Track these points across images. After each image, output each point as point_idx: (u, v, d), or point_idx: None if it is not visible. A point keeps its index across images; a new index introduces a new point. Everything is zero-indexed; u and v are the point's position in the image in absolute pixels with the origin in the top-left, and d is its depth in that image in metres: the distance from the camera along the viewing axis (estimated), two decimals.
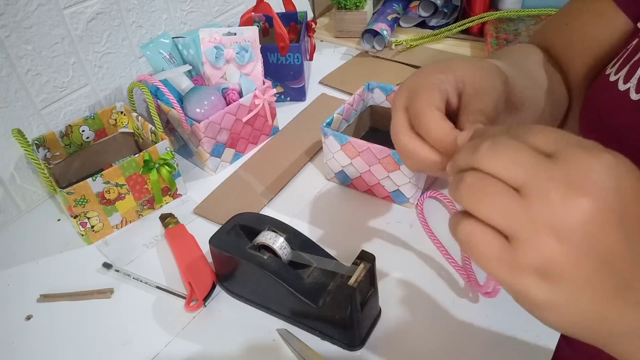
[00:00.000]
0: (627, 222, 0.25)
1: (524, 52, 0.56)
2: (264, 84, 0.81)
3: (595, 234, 0.25)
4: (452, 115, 0.40)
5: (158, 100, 0.78)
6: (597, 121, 0.48)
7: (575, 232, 0.25)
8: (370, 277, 0.53)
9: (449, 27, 1.09)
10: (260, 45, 0.80)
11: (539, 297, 0.26)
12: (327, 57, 1.09)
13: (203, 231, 0.66)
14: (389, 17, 1.09)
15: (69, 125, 0.74)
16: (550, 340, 0.52)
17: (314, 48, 1.02)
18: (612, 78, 0.47)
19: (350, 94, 0.87)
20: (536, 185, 0.25)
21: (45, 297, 0.62)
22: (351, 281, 0.49)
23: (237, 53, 0.79)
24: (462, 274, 0.59)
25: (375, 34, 1.07)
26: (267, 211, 0.72)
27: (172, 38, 0.82)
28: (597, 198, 0.24)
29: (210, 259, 0.62)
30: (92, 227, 0.68)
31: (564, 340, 0.54)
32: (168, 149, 0.70)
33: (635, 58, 0.45)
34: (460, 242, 0.28)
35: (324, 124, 0.71)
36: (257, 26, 0.88)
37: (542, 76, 0.53)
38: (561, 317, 0.27)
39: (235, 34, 0.79)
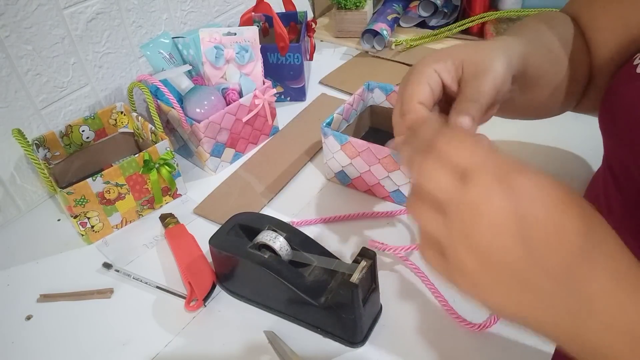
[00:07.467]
0: (528, 240, 0.29)
1: (551, 22, 0.53)
2: (264, 84, 0.81)
3: (495, 249, 0.30)
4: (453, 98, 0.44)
5: (158, 100, 0.78)
6: (619, 113, 0.47)
7: (479, 246, 0.30)
8: (372, 274, 0.53)
9: (449, 27, 1.09)
10: (260, 45, 0.80)
11: (470, 296, 0.33)
12: (327, 57, 1.09)
13: (203, 231, 0.66)
14: (389, 17, 1.09)
15: (69, 125, 0.74)
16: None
17: (314, 48, 1.02)
18: None
19: (350, 94, 0.87)
20: (452, 208, 0.31)
21: (45, 297, 0.62)
22: (353, 278, 0.49)
23: (237, 53, 0.79)
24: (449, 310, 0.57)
25: (375, 34, 1.07)
26: (267, 211, 0.72)
27: (172, 38, 0.82)
28: (496, 221, 0.29)
29: (210, 259, 0.62)
30: (92, 227, 0.68)
31: None
32: (168, 149, 0.70)
33: None
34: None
35: (324, 124, 0.71)
36: (257, 26, 0.88)
37: (562, 51, 0.51)
38: (490, 308, 0.33)
39: (235, 34, 0.79)
